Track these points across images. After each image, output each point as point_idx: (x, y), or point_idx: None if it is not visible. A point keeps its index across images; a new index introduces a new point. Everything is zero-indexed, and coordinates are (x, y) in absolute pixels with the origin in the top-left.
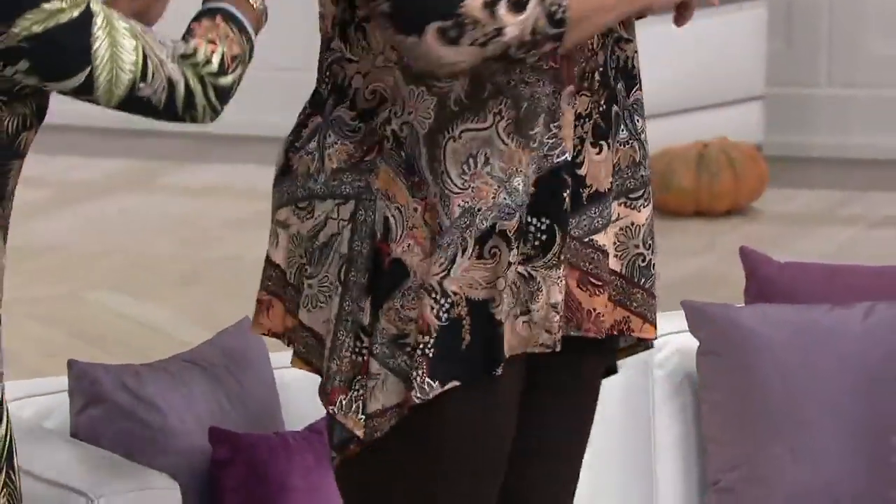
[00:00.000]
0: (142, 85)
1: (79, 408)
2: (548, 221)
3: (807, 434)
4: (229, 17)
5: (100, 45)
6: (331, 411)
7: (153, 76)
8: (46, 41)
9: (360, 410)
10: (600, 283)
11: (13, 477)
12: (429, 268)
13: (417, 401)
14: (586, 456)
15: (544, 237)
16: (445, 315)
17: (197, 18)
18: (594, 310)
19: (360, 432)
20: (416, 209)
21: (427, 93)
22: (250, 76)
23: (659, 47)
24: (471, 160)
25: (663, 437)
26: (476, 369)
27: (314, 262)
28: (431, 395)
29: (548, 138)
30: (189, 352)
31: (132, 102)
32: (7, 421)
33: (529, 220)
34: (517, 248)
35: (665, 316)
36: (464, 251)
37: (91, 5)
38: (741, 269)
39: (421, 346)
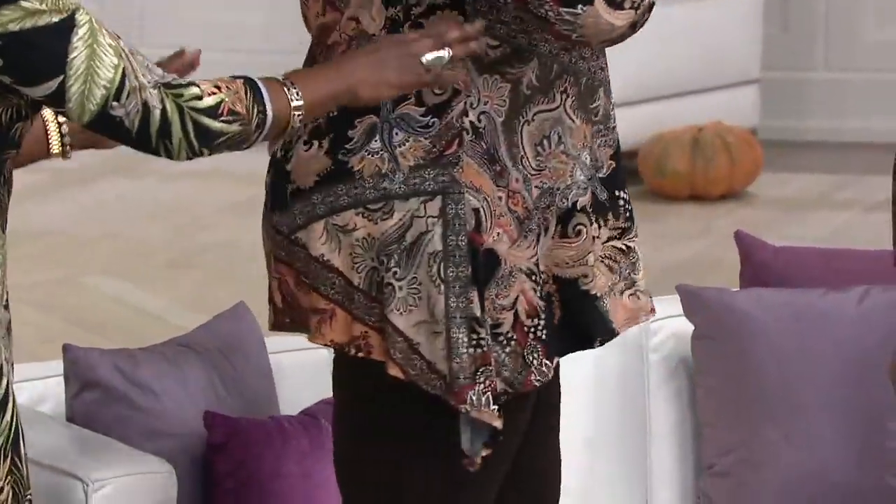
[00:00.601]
0: (115, 103)
1: (74, 392)
2: (624, 193)
3: (801, 418)
4: (251, 85)
5: (77, 55)
6: (463, 410)
7: (128, 96)
8: (21, 41)
9: (491, 402)
10: None
11: (19, 464)
12: (519, 252)
13: (538, 384)
14: (583, 438)
15: (624, 208)
16: (544, 295)
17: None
18: None
19: (498, 423)
20: (500, 198)
21: (501, 80)
22: (241, 60)
23: (654, 31)
24: (545, 141)
25: (658, 422)
26: (570, 345)
27: (403, 265)
28: (549, 377)
29: (610, 110)
30: (184, 336)
31: (105, 121)
32: (13, 408)
33: (617, 193)
34: (608, 222)
35: (660, 300)
36: (546, 230)
37: (77, 15)
38: (736, 253)
39: (532, 328)
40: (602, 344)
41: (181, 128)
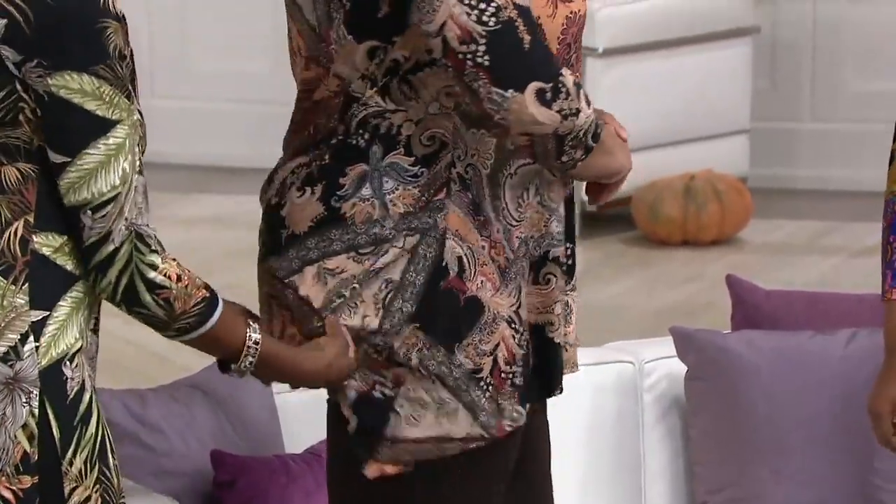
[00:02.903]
0: (90, 212)
1: None
2: (572, 246)
3: (791, 457)
4: (208, 304)
5: (92, 154)
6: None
7: (102, 217)
8: (61, 109)
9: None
10: None
11: (108, 475)
12: (501, 300)
13: (509, 429)
14: (578, 477)
15: (572, 261)
16: (524, 343)
17: (199, 278)
18: None
19: (352, 417)
20: (483, 247)
21: (487, 134)
22: (249, 111)
23: (648, 82)
24: (524, 192)
25: (652, 460)
26: (540, 392)
27: (361, 282)
28: (521, 423)
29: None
30: (191, 377)
31: (73, 218)
32: (98, 422)
33: (568, 246)
34: (566, 274)
35: (654, 342)
36: (525, 279)
37: (118, 126)
38: (727, 296)
39: (510, 375)
40: (559, 394)
41: (116, 276)
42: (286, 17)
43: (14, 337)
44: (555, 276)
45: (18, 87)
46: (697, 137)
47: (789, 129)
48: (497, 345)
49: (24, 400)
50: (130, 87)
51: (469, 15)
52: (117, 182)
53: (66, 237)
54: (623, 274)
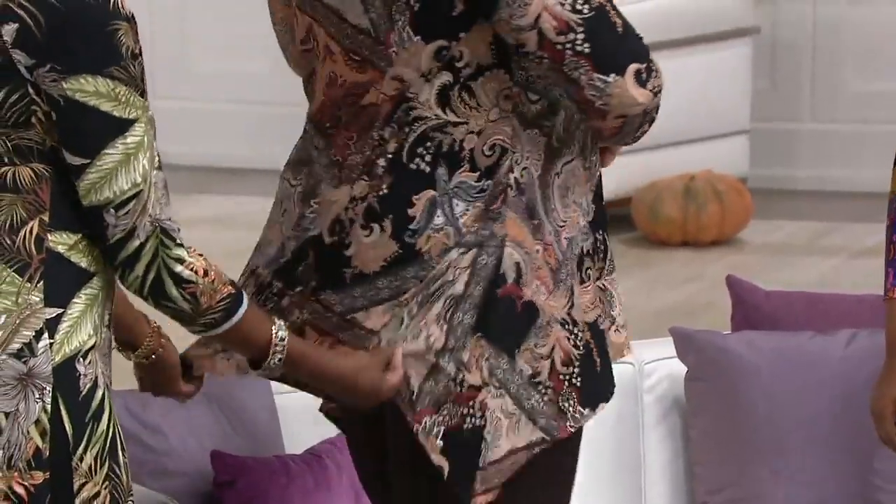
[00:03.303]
0: (112, 210)
1: None
2: (605, 233)
3: (791, 457)
4: (233, 301)
5: (111, 154)
6: (415, 430)
7: (125, 214)
8: (77, 112)
9: (440, 436)
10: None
11: (118, 471)
12: (554, 303)
13: (571, 430)
14: (578, 477)
15: (604, 247)
16: (582, 344)
17: (227, 276)
18: None
19: (440, 461)
20: (538, 251)
21: (539, 134)
22: (249, 111)
23: None
24: (567, 191)
25: (653, 460)
26: (610, 388)
27: (421, 304)
28: (584, 423)
29: (596, 157)
30: None
31: (96, 216)
32: (109, 419)
33: (598, 235)
34: (595, 264)
35: (654, 342)
36: (574, 279)
37: (135, 125)
38: (727, 297)
39: (567, 377)
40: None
41: (144, 270)
42: (284, 15)
43: (29, 334)
44: (591, 268)
45: (31, 90)
46: (697, 138)
47: (789, 130)
48: (553, 347)
49: (37, 396)
50: (143, 85)
51: (563, 5)
52: (139, 179)
53: (80, 235)
54: (623, 274)
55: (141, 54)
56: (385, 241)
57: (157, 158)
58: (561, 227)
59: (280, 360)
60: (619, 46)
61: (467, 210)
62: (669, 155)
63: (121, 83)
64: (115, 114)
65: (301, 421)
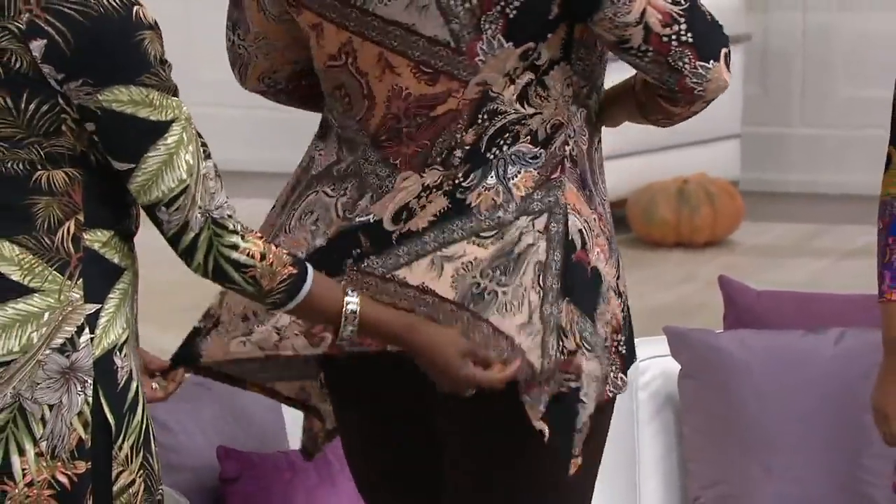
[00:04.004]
0: (164, 208)
1: None
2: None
3: (781, 453)
4: (297, 278)
5: (154, 157)
6: (523, 399)
7: (177, 209)
8: (117, 122)
9: (545, 404)
10: None
11: (151, 461)
12: (610, 270)
13: (611, 395)
14: None
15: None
16: (626, 314)
17: (289, 255)
18: None
19: (542, 427)
20: (594, 219)
21: (585, 112)
22: (265, 120)
23: None
24: (602, 168)
25: (647, 456)
26: (633, 359)
27: (508, 273)
28: (623, 391)
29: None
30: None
31: (150, 214)
32: (143, 410)
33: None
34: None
35: (648, 341)
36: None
37: (173, 125)
38: (720, 296)
39: (616, 343)
40: None
41: (203, 259)
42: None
43: (70, 329)
44: None
45: (61, 100)
46: (690, 142)
47: (780, 134)
48: (612, 314)
49: (79, 388)
50: (174, 86)
51: None
52: (184, 176)
53: (112, 232)
54: None
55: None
56: (437, 199)
57: (202, 149)
58: (605, 199)
59: (352, 331)
60: (713, 33)
61: (519, 172)
62: (663, 159)
63: (153, 89)
64: (153, 118)
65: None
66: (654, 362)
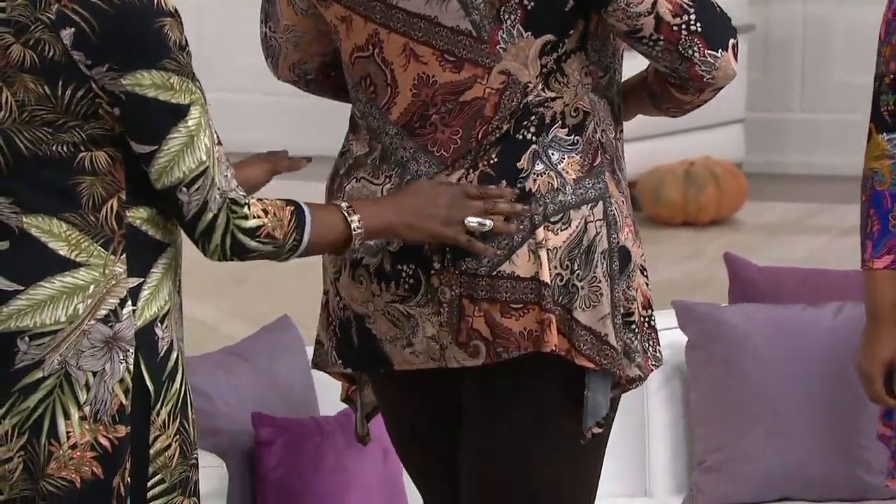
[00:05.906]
0: (184, 189)
1: None
2: None
3: (783, 419)
4: (298, 215)
5: (175, 139)
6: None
7: (196, 190)
8: (139, 105)
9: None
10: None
11: (187, 427)
12: (637, 250)
13: (654, 368)
14: None
15: None
16: (651, 291)
17: (280, 199)
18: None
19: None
20: (622, 202)
21: (607, 102)
22: (292, 107)
23: None
24: (624, 155)
25: (656, 422)
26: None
27: (583, 266)
28: (661, 363)
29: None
30: (234, 345)
31: (170, 197)
32: (182, 378)
33: None
34: None
35: (657, 314)
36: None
37: (192, 108)
38: (725, 272)
39: (647, 318)
40: None
41: (221, 238)
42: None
43: (114, 301)
44: None
45: (94, 85)
46: (696, 127)
47: (781, 119)
48: (638, 290)
49: (121, 357)
50: (193, 71)
51: None
52: (204, 157)
53: (154, 210)
54: None
55: (188, 44)
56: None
57: (215, 135)
58: (626, 182)
59: (362, 241)
60: (721, 23)
61: (563, 158)
62: (671, 143)
63: (173, 73)
64: (173, 101)
65: (334, 386)
66: (663, 334)
